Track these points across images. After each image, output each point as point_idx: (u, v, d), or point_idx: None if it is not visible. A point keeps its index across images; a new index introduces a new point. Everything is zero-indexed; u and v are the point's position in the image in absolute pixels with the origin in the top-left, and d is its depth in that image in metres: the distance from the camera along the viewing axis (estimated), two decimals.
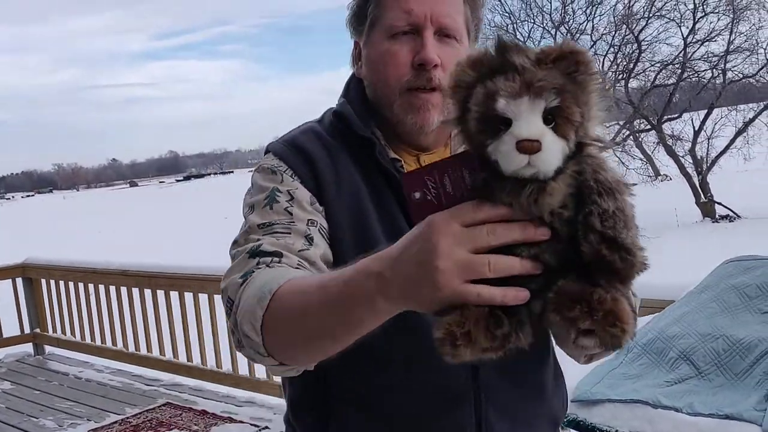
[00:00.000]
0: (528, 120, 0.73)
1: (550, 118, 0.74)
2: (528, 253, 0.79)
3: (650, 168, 23.18)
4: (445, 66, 1.23)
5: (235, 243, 1.21)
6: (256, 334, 1.03)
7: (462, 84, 0.79)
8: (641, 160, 22.68)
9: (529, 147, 0.73)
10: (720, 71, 20.73)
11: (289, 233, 1.17)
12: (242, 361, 4.63)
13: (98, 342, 5.97)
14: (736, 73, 20.72)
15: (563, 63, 0.76)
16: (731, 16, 20.12)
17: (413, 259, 0.82)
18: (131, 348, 5.66)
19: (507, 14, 22.29)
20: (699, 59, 21.14)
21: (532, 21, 22.34)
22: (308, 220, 1.20)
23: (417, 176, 0.85)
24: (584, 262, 0.77)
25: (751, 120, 20.19)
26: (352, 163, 1.26)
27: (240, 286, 1.10)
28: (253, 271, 1.11)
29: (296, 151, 1.27)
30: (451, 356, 0.79)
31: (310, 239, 1.17)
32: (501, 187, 0.77)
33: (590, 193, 0.77)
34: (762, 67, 20.13)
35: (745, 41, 20.33)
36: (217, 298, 4.67)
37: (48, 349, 6.68)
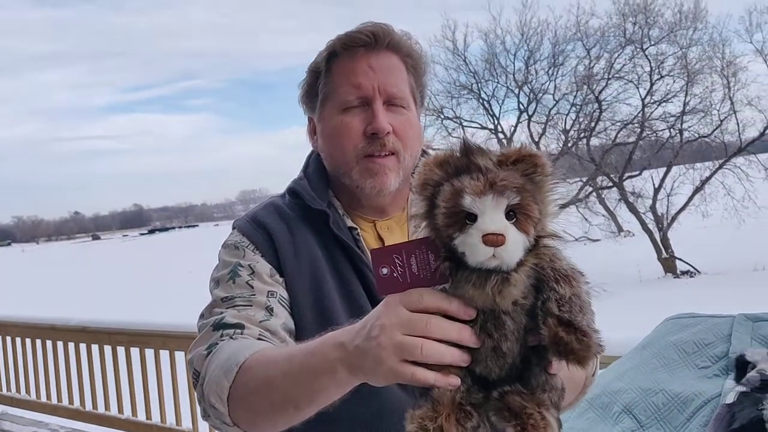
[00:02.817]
0: (492, 216, 0.80)
1: (511, 214, 0.81)
2: (490, 339, 0.85)
3: (613, 224, 23.61)
4: (397, 131, 1.32)
5: (201, 316, 1.28)
6: (222, 405, 1.09)
7: (430, 182, 0.85)
8: (604, 216, 23.12)
9: (494, 240, 0.79)
10: (677, 131, 21.42)
11: (251, 305, 1.24)
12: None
13: (54, 400, 5.81)
14: (692, 132, 21.43)
15: (522, 165, 0.83)
16: (686, 79, 20.92)
17: (366, 333, 0.90)
18: (88, 406, 5.52)
19: (471, 74, 22.88)
20: (657, 119, 21.87)
21: (496, 81, 22.96)
22: (268, 291, 1.26)
23: (385, 253, 0.90)
24: (543, 344, 0.82)
25: (708, 178, 20.79)
26: (310, 234, 1.33)
27: (205, 357, 1.17)
28: (218, 343, 1.17)
29: (257, 227, 1.34)
30: None
31: (270, 310, 1.24)
32: (467, 278, 0.83)
33: (548, 281, 0.83)
34: (716, 128, 20.86)
35: (700, 103, 21.11)
36: (179, 354, 4.62)
37: (0, 408, 6.47)
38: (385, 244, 1.37)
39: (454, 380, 0.85)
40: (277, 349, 1.15)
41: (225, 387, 1.08)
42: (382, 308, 0.89)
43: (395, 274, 0.89)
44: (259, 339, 1.19)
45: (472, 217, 0.81)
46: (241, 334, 1.19)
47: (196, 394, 1.17)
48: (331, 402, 1.01)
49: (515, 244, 0.81)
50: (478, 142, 0.88)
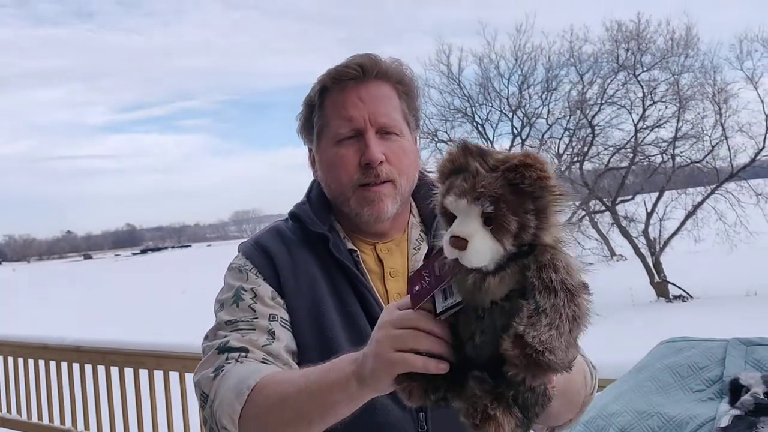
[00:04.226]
0: (463, 220, 0.83)
1: (489, 221, 0.82)
2: (468, 329, 0.91)
3: (606, 248, 23.67)
4: (391, 159, 1.36)
5: (206, 338, 1.33)
6: (233, 426, 1.14)
7: (444, 173, 0.89)
8: (597, 240, 23.18)
9: (455, 243, 0.82)
10: (669, 156, 21.59)
11: (254, 329, 1.29)
12: None
13: (46, 421, 5.76)
14: (684, 158, 21.62)
15: (511, 174, 0.82)
16: (677, 105, 21.13)
17: (368, 344, 1.01)
18: (80, 427, 5.48)
19: (466, 98, 23.06)
20: (649, 144, 22.04)
21: (490, 105, 23.14)
22: (270, 314, 1.32)
23: (417, 273, 0.98)
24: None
25: (700, 203, 20.92)
26: (310, 257, 1.37)
27: (212, 380, 1.22)
28: (224, 366, 1.23)
29: (260, 250, 1.39)
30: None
31: (272, 333, 1.29)
32: (458, 269, 0.88)
33: (532, 290, 0.84)
34: (708, 153, 21.03)
35: (692, 128, 21.32)
36: (173, 375, 4.60)
37: None
38: (386, 265, 1.42)
39: (443, 365, 0.93)
40: (290, 371, 1.22)
41: (237, 409, 1.14)
42: (377, 328, 1.00)
43: (424, 285, 0.96)
44: (263, 362, 1.24)
45: (454, 217, 0.85)
46: (246, 357, 1.24)
47: (203, 415, 1.22)
48: (340, 419, 1.07)
49: (477, 252, 0.82)
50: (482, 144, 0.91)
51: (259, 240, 1.42)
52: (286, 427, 1.11)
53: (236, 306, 1.32)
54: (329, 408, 1.05)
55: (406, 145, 1.40)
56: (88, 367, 5.33)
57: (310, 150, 1.48)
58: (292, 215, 1.45)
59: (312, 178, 1.51)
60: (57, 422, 5.66)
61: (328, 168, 1.40)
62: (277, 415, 1.11)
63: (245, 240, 1.46)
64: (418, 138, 1.51)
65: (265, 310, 1.31)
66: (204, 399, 1.22)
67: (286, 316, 1.33)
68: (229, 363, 1.23)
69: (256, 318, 1.30)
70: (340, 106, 1.37)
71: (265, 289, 1.34)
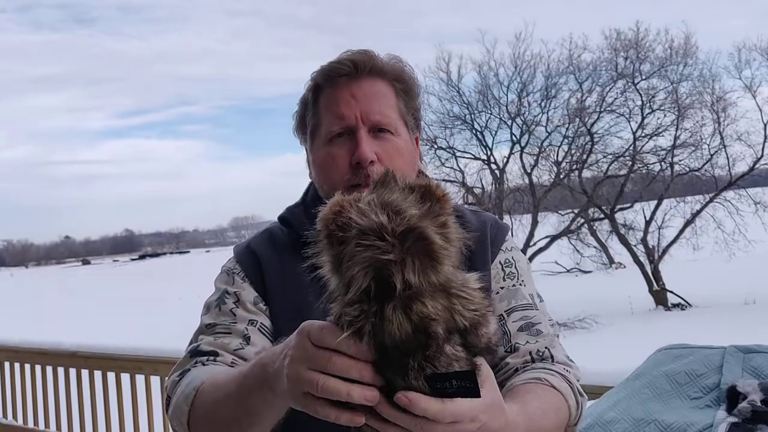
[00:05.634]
0: None
1: None
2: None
3: (604, 256, 23.67)
4: (383, 159, 1.31)
5: (190, 341, 1.33)
6: (183, 429, 1.15)
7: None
8: (596, 248, 23.19)
9: None
10: (668, 164, 21.63)
11: (229, 333, 1.28)
12: None
13: (41, 426, 5.74)
14: (683, 166, 21.66)
15: None
16: (676, 113, 21.17)
17: (281, 361, 0.92)
18: None
19: (465, 105, 23.07)
20: (648, 152, 22.06)
21: (489, 112, 23.13)
22: (249, 320, 1.31)
23: None
24: None
25: (698, 212, 20.95)
26: (300, 261, 1.35)
27: (176, 384, 1.22)
28: (189, 369, 1.23)
29: (250, 254, 1.38)
30: None
31: (247, 339, 1.28)
32: None
33: None
34: (706, 162, 21.08)
35: (690, 137, 21.38)
36: None
37: None
38: None
39: (358, 418, 0.84)
40: (226, 371, 1.17)
41: (185, 411, 1.14)
42: (294, 338, 0.91)
43: None
44: (232, 365, 1.23)
45: None
46: (214, 361, 1.24)
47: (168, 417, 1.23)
48: (272, 423, 1.02)
49: None
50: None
51: (251, 244, 1.41)
52: (225, 430, 1.09)
53: (219, 309, 1.32)
54: (252, 414, 1.01)
55: (402, 144, 1.35)
56: (85, 373, 5.31)
57: (307, 151, 1.46)
58: (282, 219, 1.44)
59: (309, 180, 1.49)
60: (53, 427, 5.63)
61: (319, 168, 1.37)
62: (214, 420, 1.10)
63: (241, 242, 1.45)
64: (419, 140, 1.46)
65: (246, 315, 1.31)
66: (167, 403, 1.22)
67: (267, 323, 1.31)
68: (196, 366, 1.23)
69: (235, 322, 1.29)
70: (332, 103, 1.33)
71: (249, 294, 1.33)
